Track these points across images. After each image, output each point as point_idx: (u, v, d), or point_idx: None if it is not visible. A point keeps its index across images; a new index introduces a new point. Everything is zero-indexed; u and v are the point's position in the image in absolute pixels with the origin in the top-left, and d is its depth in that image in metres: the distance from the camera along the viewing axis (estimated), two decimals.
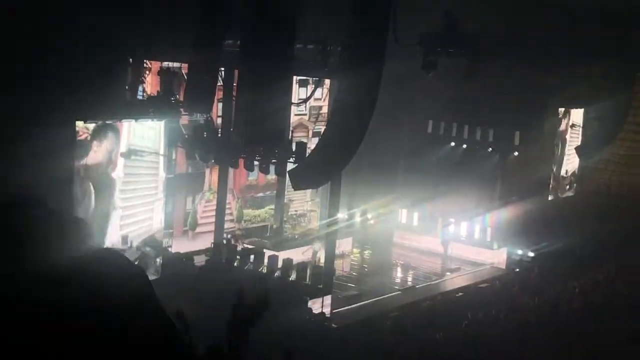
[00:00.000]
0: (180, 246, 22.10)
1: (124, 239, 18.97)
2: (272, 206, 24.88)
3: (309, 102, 24.99)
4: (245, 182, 24.80)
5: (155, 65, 20.71)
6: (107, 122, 18.10)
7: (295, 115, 25.35)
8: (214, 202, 22.91)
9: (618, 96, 27.00)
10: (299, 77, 22.98)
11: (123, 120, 18.55)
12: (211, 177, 23.29)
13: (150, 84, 20.78)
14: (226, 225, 23.76)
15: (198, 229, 23.44)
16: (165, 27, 18.11)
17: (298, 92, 23.65)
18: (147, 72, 21.01)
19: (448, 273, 24.59)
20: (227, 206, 23.92)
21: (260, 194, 25.15)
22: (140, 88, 20.74)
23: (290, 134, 22.64)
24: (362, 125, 18.14)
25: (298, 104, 23.84)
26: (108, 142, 18.41)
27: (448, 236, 25.88)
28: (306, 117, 25.81)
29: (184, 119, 21.60)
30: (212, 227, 22.62)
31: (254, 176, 23.39)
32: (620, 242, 24.61)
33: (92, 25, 16.43)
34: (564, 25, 23.20)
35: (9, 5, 16.01)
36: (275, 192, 24.70)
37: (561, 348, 15.91)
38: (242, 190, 25.00)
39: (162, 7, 17.76)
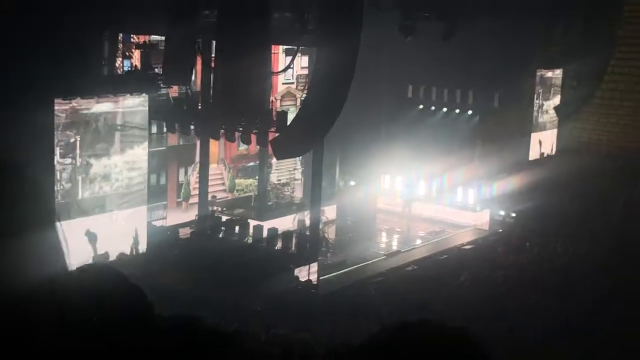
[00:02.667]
0: (174, 218, 22.30)
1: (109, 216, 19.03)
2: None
3: (296, 71, 24.97)
4: (237, 152, 24.88)
5: (142, 39, 20.59)
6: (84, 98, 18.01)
7: (283, 84, 25.39)
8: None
9: (595, 56, 27.06)
10: (285, 47, 22.98)
11: (101, 96, 18.47)
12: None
13: (137, 59, 20.66)
14: (219, 195, 23.93)
15: (192, 200, 23.54)
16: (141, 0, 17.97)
17: (285, 61, 23.68)
18: (134, 46, 20.88)
19: (431, 236, 24.76)
20: (219, 176, 24.08)
21: (252, 163, 25.18)
22: (128, 63, 20.67)
23: (271, 104, 22.62)
24: (342, 92, 18.18)
25: (278, 73, 23.78)
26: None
27: (409, 195, 25.92)
28: (294, 86, 25.78)
29: (174, 91, 21.63)
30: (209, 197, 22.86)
31: (245, 145, 23.46)
32: (599, 200, 24.83)
33: (66, 1, 16.28)
34: None
35: None
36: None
37: (544, 305, 16.15)
38: (233, 160, 25.11)
39: None
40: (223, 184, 24.91)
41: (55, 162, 17.79)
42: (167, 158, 22.97)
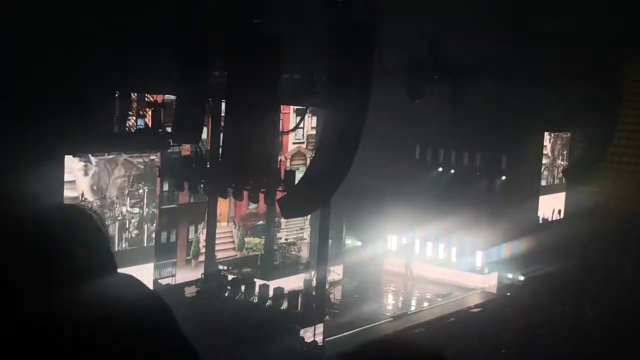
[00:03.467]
0: (183, 275, 22.45)
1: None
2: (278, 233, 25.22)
3: (306, 130, 25.25)
4: (246, 210, 24.99)
5: (158, 99, 20.90)
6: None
7: (293, 143, 25.68)
8: (216, 231, 23.35)
9: (603, 117, 27.23)
10: (296, 107, 23.34)
11: (112, 154, 18.69)
12: None
13: (150, 117, 20.94)
14: (227, 254, 24.02)
15: (201, 258, 23.62)
16: (151, 59, 18.26)
17: (295, 121, 24.07)
18: (146, 105, 21.19)
19: (439, 299, 24.58)
20: (229, 234, 24.18)
21: (261, 222, 25.24)
22: (142, 122, 20.99)
23: (280, 163, 22.78)
24: (349, 153, 18.29)
25: (287, 133, 24.04)
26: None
27: (411, 257, 25.84)
28: (304, 145, 25.97)
29: (186, 150, 21.96)
30: (215, 256, 23.04)
31: (255, 204, 23.65)
32: (606, 263, 24.67)
33: (78, 60, 16.56)
34: (545, 50, 23.46)
35: None
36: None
37: None
38: (243, 219, 25.23)
39: (148, 39, 17.92)
40: (233, 242, 25.02)
41: (125, 211, 19.41)
42: (178, 216, 23.22)
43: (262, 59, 17.73)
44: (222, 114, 20.28)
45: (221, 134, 20.11)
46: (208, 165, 20.89)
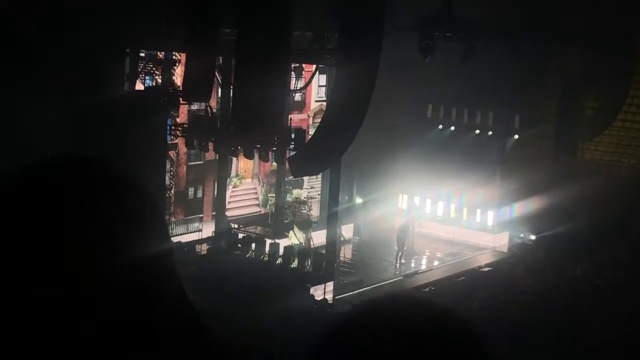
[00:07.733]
0: (209, 230, 22.85)
1: None
2: (298, 190, 25.40)
3: (328, 88, 25.24)
4: (270, 168, 25.11)
5: (184, 57, 20.73)
6: None
7: (316, 101, 25.69)
8: (241, 187, 24.29)
9: (615, 79, 26.81)
10: (319, 65, 23.26)
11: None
12: (238, 163, 24.23)
13: (180, 76, 20.69)
14: (252, 210, 24.89)
15: (226, 213, 23.85)
16: (161, 17, 18.13)
17: (318, 79, 24.13)
18: (177, 64, 21.07)
19: (449, 258, 24.59)
20: (253, 191, 25.10)
21: (287, 179, 25.29)
22: (150, 79, 20.95)
23: (290, 121, 22.73)
24: (360, 111, 18.21)
25: (295, 91, 23.96)
26: None
27: (412, 214, 25.73)
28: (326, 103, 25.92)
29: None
30: (239, 212, 23.85)
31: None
32: (619, 223, 24.51)
33: (87, 20, 16.47)
34: (560, 8, 23.09)
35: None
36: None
37: (561, 330, 15.96)
38: (267, 176, 25.44)
39: None
40: (257, 198, 25.28)
41: None
42: (205, 172, 23.92)
43: (273, 15, 17.56)
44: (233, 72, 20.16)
45: (231, 93, 20.04)
46: (218, 124, 20.88)
